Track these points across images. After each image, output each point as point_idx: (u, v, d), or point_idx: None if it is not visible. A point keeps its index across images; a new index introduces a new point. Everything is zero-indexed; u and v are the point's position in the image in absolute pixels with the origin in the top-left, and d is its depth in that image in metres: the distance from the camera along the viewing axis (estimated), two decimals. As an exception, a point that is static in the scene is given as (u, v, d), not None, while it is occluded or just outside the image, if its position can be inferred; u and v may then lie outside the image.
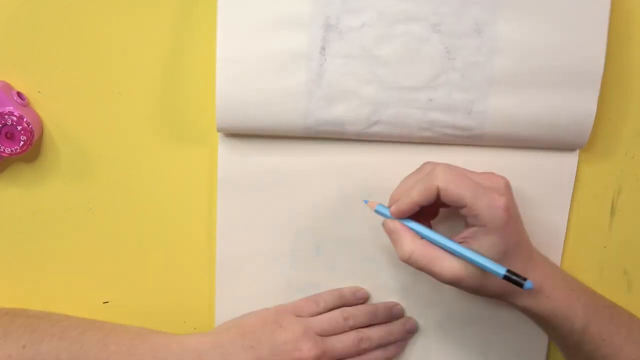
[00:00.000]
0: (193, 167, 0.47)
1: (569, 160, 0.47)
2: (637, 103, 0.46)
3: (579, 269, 0.50)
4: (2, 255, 0.48)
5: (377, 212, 0.44)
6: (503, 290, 0.41)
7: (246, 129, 0.44)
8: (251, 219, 0.47)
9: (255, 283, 0.49)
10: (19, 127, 0.42)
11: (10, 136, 0.43)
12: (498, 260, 0.40)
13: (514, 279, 0.38)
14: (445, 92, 0.43)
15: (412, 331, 0.50)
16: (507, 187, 0.41)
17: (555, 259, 0.49)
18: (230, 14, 0.41)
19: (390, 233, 0.43)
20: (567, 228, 0.49)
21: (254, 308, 0.48)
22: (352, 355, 0.47)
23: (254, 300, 0.48)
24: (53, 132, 0.46)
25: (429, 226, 0.44)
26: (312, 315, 0.48)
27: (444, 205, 0.42)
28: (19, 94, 0.44)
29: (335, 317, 0.47)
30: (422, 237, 0.42)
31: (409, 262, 0.41)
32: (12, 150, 0.43)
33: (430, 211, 0.45)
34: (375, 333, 0.48)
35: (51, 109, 0.45)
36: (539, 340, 0.50)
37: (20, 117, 0.42)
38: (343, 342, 0.46)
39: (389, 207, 0.43)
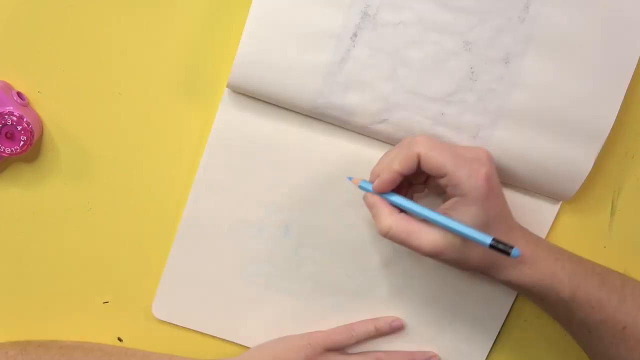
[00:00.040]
0: (193, 168, 0.47)
1: (550, 210, 0.47)
2: (637, 103, 0.46)
3: (579, 269, 0.50)
4: (2, 255, 0.48)
5: (360, 187, 0.43)
6: (485, 262, 0.41)
7: (255, 92, 0.44)
8: (229, 184, 0.47)
9: (214, 250, 0.48)
10: (19, 127, 0.42)
11: (10, 136, 0.43)
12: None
13: (501, 248, 0.37)
14: (458, 110, 0.44)
15: None
16: (489, 158, 0.41)
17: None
18: None
19: (370, 207, 0.42)
20: (567, 228, 0.49)
21: (204, 278, 0.48)
22: None
23: (206, 267, 0.48)
24: (53, 132, 0.46)
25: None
26: (345, 346, 0.48)
27: (427, 180, 0.42)
28: (19, 94, 0.44)
29: None
30: (404, 209, 0.41)
31: (388, 236, 0.40)
32: (12, 150, 0.43)
33: (415, 188, 0.45)
34: None
35: (51, 109, 0.45)
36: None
37: (20, 117, 0.42)
38: None
39: (370, 181, 0.43)
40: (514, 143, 0.44)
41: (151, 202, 0.47)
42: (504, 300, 0.50)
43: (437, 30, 0.42)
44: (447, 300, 0.50)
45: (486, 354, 0.51)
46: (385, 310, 0.50)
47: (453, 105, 0.44)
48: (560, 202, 0.48)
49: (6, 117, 0.42)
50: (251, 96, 0.45)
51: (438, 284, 0.50)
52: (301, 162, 0.47)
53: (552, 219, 0.48)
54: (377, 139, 0.46)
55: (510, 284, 0.43)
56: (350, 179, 0.45)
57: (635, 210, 0.49)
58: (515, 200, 0.47)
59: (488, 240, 0.38)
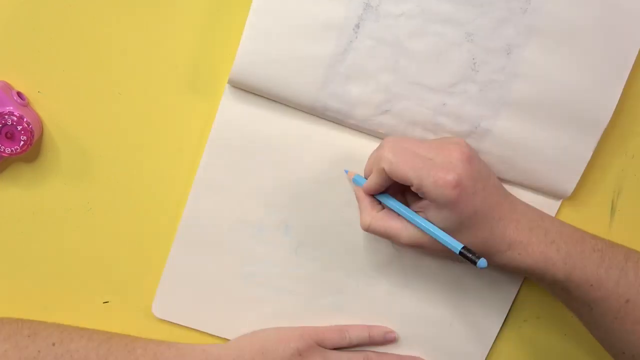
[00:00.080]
0: (193, 168, 0.47)
1: (550, 209, 0.47)
2: (637, 103, 0.46)
3: (579, 269, 0.50)
4: (2, 255, 0.48)
5: (354, 181, 0.46)
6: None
7: (257, 86, 0.44)
8: (229, 184, 0.47)
9: (214, 250, 0.48)
10: (19, 127, 0.43)
11: (10, 136, 0.43)
12: (453, 231, 0.40)
13: (469, 257, 0.38)
14: (459, 101, 0.44)
15: None
16: (463, 160, 0.40)
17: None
18: None
19: (357, 201, 0.45)
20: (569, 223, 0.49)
21: (204, 277, 0.48)
22: None
23: (206, 267, 0.48)
24: (53, 132, 0.46)
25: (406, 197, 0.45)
26: (335, 347, 0.48)
27: None
28: (19, 94, 0.44)
29: None
30: (387, 206, 0.43)
31: (369, 230, 0.44)
32: (12, 150, 0.43)
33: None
34: None
35: (51, 109, 0.45)
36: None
37: (20, 117, 0.42)
38: None
39: (366, 179, 0.45)
40: (515, 133, 0.44)
41: (151, 202, 0.47)
42: (503, 300, 0.50)
43: (439, 22, 0.42)
44: (447, 300, 0.50)
45: (486, 354, 0.51)
46: (385, 311, 0.50)
47: (455, 96, 0.44)
48: (560, 200, 0.48)
49: (6, 117, 0.42)
50: (253, 92, 0.45)
51: (438, 283, 0.50)
52: (301, 162, 0.47)
53: (553, 215, 0.48)
54: (379, 134, 0.46)
55: (503, 268, 0.43)
56: (346, 171, 0.46)
57: (635, 210, 0.49)
58: (516, 195, 0.47)
59: (458, 248, 0.39)
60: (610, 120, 0.45)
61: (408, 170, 0.40)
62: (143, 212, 0.48)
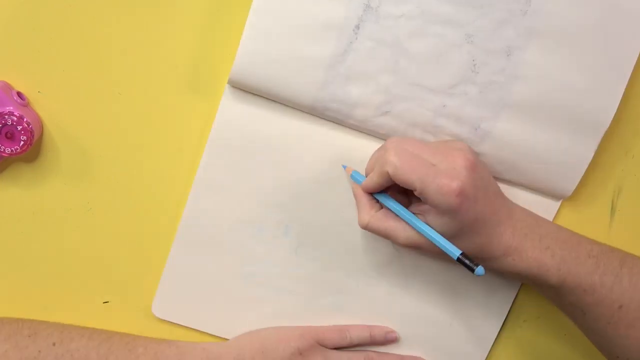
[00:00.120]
0: (193, 168, 0.47)
1: (549, 209, 0.47)
2: (637, 103, 0.46)
3: (579, 269, 0.50)
4: (2, 255, 0.48)
5: (351, 177, 0.46)
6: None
7: (257, 86, 0.44)
8: (229, 184, 0.47)
9: (214, 250, 0.48)
10: (19, 127, 0.43)
11: (10, 136, 0.43)
12: (451, 236, 0.40)
13: (466, 263, 0.39)
14: (459, 103, 0.44)
15: None
16: (467, 167, 0.40)
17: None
18: None
19: (355, 198, 0.45)
20: (567, 227, 0.49)
21: (204, 277, 0.48)
22: None
23: (206, 267, 0.48)
24: (53, 132, 0.46)
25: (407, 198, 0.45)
26: (336, 347, 0.48)
27: None
28: (19, 94, 0.44)
29: None
30: (386, 207, 0.43)
31: (367, 229, 0.44)
32: (12, 150, 0.43)
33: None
34: None
35: (51, 109, 0.45)
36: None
37: (20, 117, 0.42)
38: None
39: (364, 176, 0.45)
40: (515, 135, 0.44)
41: (151, 202, 0.47)
42: (503, 300, 0.50)
43: (439, 23, 0.42)
44: (447, 300, 0.50)
45: (486, 354, 0.51)
46: (385, 311, 0.50)
47: (455, 98, 0.44)
48: (560, 200, 0.47)
49: (6, 117, 0.42)
50: (252, 92, 0.45)
51: (438, 284, 0.50)
52: (301, 162, 0.47)
53: (552, 217, 0.48)
54: (379, 135, 0.46)
55: (498, 272, 0.44)
56: (344, 167, 0.46)
57: (635, 210, 0.49)
58: (514, 199, 0.47)
59: (456, 254, 0.39)
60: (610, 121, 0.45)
61: (412, 175, 0.39)
62: (143, 212, 0.48)
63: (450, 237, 0.40)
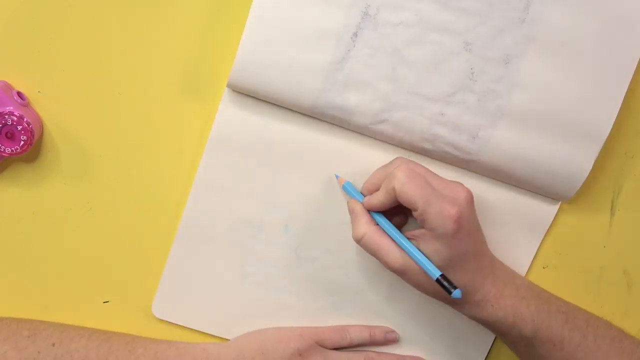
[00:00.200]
0: (193, 168, 0.47)
1: (549, 210, 0.48)
2: (637, 103, 0.46)
3: (579, 269, 0.50)
4: (2, 255, 0.48)
5: (343, 188, 0.46)
6: (444, 295, 0.42)
7: (255, 91, 0.44)
8: (229, 184, 0.47)
9: (214, 250, 0.48)
10: (19, 127, 0.43)
11: (11, 136, 0.43)
12: (442, 267, 0.41)
13: (445, 285, 0.40)
14: (457, 111, 0.44)
15: None
16: (467, 199, 0.41)
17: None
18: None
19: (350, 212, 0.45)
20: (567, 228, 0.49)
21: (204, 277, 0.48)
22: None
23: (206, 267, 0.48)
24: (53, 132, 0.46)
25: (405, 219, 0.46)
26: (335, 347, 0.48)
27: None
28: (19, 94, 0.44)
29: None
30: (377, 223, 0.44)
31: (360, 243, 0.44)
32: (12, 150, 0.43)
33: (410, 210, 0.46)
34: None
35: (51, 109, 0.45)
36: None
37: (21, 117, 0.42)
38: None
39: (361, 193, 0.45)
40: (514, 143, 0.44)
41: (151, 202, 0.47)
42: None
43: (437, 31, 0.42)
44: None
45: (486, 354, 0.51)
46: (385, 311, 0.50)
47: (453, 106, 0.44)
48: (560, 202, 0.48)
49: (6, 117, 0.42)
50: (251, 96, 0.45)
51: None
52: (301, 162, 0.47)
53: (551, 218, 0.48)
54: (378, 139, 0.46)
55: (473, 319, 0.45)
56: (337, 176, 0.46)
57: (635, 210, 0.49)
58: (514, 200, 0.47)
59: (436, 274, 0.40)
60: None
61: (417, 193, 0.40)
62: (143, 212, 0.48)
63: (438, 268, 0.41)
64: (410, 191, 0.40)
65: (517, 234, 0.48)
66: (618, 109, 0.44)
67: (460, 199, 0.41)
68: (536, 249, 0.49)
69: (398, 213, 0.45)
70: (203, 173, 0.46)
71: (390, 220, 0.44)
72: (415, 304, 0.50)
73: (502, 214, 0.47)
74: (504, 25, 0.42)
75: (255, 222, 0.48)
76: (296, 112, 0.45)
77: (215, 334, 0.50)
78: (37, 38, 0.44)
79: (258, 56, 0.42)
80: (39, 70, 0.44)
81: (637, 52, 0.43)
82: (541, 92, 0.43)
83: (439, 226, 0.40)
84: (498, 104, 0.43)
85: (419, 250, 0.41)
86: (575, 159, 0.44)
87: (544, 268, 0.50)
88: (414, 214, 0.41)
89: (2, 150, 0.43)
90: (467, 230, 0.41)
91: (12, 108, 0.42)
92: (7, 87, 0.44)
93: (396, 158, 0.44)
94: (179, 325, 0.50)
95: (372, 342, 0.49)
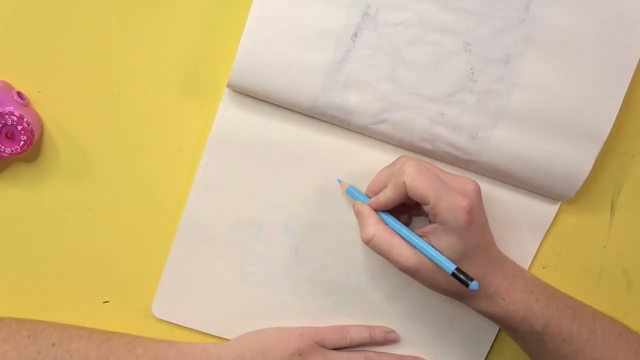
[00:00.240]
0: (193, 168, 0.47)
1: (549, 210, 0.48)
2: (637, 103, 0.46)
3: (579, 269, 0.50)
4: (2, 255, 0.48)
5: (347, 192, 0.46)
6: (458, 290, 0.42)
7: (255, 91, 0.44)
8: (229, 184, 0.47)
9: (214, 250, 0.48)
10: (19, 127, 0.43)
11: (11, 136, 0.43)
12: (455, 260, 0.41)
13: (461, 278, 0.39)
14: (457, 111, 0.44)
15: None
16: (475, 192, 0.41)
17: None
18: None
19: (357, 214, 0.45)
20: (567, 228, 0.49)
21: (204, 277, 0.48)
22: None
23: (206, 267, 0.48)
24: (53, 132, 0.46)
25: (409, 218, 0.46)
26: (335, 347, 0.48)
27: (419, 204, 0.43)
28: (19, 94, 0.44)
29: None
30: (386, 223, 0.43)
31: (370, 244, 0.43)
32: (12, 150, 0.43)
33: (414, 208, 0.46)
34: None
35: (51, 109, 0.45)
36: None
37: (21, 117, 0.42)
38: None
39: (366, 195, 0.45)
40: (514, 143, 0.44)
41: (151, 202, 0.47)
42: None
43: (437, 31, 0.42)
44: (447, 300, 0.50)
45: (486, 354, 0.51)
46: (385, 311, 0.50)
47: (453, 106, 0.44)
48: (560, 202, 0.48)
49: (6, 117, 0.42)
50: (251, 96, 0.45)
51: None
52: (301, 162, 0.47)
53: (552, 218, 0.48)
54: (378, 139, 0.46)
55: (484, 314, 0.44)
56: (340, 181, 0.46)
57: (635, 210, 0.49)
58: (514, 200, 0.47)
59: (452, 268, 0.40)
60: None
61: (427, 187, 0.40)
62: (143, 212, 0.48)
63: (452, 262, 0.41)
64: (420, 185, 0.40)
65: (517, 234, 0.48)
66: (618, 109, 0.44)
67: (470, 191, 0.41)
68: (536, 249, 0.49)
69: (402, 213, 0.45)
70: (203, 173, 0.46)
71: (404, 217, 0.44)
72: (416, 304, 0.50)
73: (502, 213, 0.47)
74: (504, 25, 0.42)
75: (255, 222, 0.48)
76: (296, 112, 0.45)
77: (215, 334, 0.50)
78: (37, 38, 0.44)
79: (258, 56, 0.42)
80: (39, 70, 0.44)
81: (637, 52, 0.43)
82: (541, 92, 0.43)
83: (451, 219, 0.40)
84: (498, 104, 0.43)
85: (432, 245, 0.41)
86: (575, 159, 0.44)
87: (544, 268, 0.50)
88: (425, 208, 0.41)
89: (2, 150, 0.43)
90: (478, 223, 0.41)
91: (12, 108, 0.42)
92: (7, 87, 0.44)
93: (400, 157, 0.44)
94: (179, 325, 0.50)
95: (372, 342, 0.49)
